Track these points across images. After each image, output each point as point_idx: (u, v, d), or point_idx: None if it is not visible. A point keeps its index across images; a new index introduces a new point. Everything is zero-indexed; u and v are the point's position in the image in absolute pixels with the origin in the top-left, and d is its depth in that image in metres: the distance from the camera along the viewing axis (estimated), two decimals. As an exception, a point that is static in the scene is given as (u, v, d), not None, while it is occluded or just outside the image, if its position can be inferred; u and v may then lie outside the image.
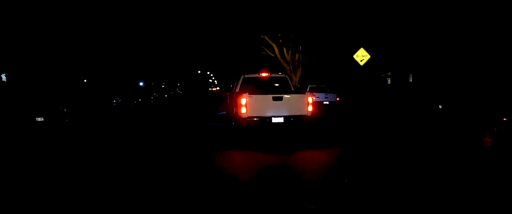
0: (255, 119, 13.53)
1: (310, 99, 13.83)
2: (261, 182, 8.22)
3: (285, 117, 13.61)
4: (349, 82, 36.01)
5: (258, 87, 14.85)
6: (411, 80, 32.71)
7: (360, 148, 12.03)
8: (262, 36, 48.39)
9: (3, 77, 32.83)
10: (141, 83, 65.44)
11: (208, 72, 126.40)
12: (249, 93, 13.61)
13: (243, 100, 13.47)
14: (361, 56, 25.01)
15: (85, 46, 44.53)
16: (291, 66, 50.03)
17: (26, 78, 28.82)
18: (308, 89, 31.50)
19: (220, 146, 12.69)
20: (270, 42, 48.68)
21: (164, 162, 10.39)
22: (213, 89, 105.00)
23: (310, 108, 13.74)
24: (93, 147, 12.88)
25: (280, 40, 48.02)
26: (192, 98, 58.75)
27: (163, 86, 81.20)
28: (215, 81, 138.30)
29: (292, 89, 15.51)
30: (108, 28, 47.90)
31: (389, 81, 36.68)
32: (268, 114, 13.59)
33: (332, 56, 40.77)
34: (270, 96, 13.73)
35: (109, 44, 49.70)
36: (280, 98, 13.74)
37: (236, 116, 13.86)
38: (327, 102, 29.92)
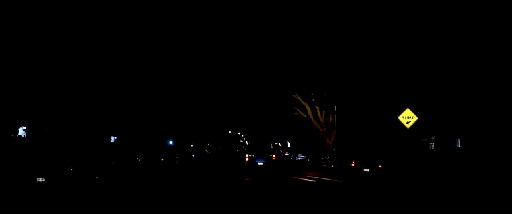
0: (251, 161, 39.05)
1: (274, 155, 44.66)
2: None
3: (263, 162, 38.52)
4: (389, 147, 32.92)
5: (253, 150, 38.88)
6: (459, 146, 29.42)
7: None
8: (294, 95, 46.20)
9: (21, 131, 31.13)
10: (170, 142, 63.67)
11: (239, 133, 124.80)
12: (248, 153, 41.57)
13: (246, 155, 41.88)
14: (407, 118, 22.18)
15: (118, 103, 43.73)
16: (324, 128, 47.28)
17: (32, 135, 27.08)
18: (346, 156, 30.21)
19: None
20: (303, 102, 46.34)
21: None
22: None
23: (273, 157, 42.92)
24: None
25: (313, 100, 45.65)
26: (219, 160, 56.22)
27: (192, 146, 79.23)
28: (246, 142, 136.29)
29: (269, 150, 43.87)
30: (141, 87, 47.43)
31: (433, 146, 33.39)
32: (256, 160, 38.86)
33: (370, 118, 37.96)
34: (257, 154, 40.42)
35: (142, 102, 49.03)
36: (262, 154, 40.03)
37: (244, 160, 39.45)
38: (367, 170, 26.76)
